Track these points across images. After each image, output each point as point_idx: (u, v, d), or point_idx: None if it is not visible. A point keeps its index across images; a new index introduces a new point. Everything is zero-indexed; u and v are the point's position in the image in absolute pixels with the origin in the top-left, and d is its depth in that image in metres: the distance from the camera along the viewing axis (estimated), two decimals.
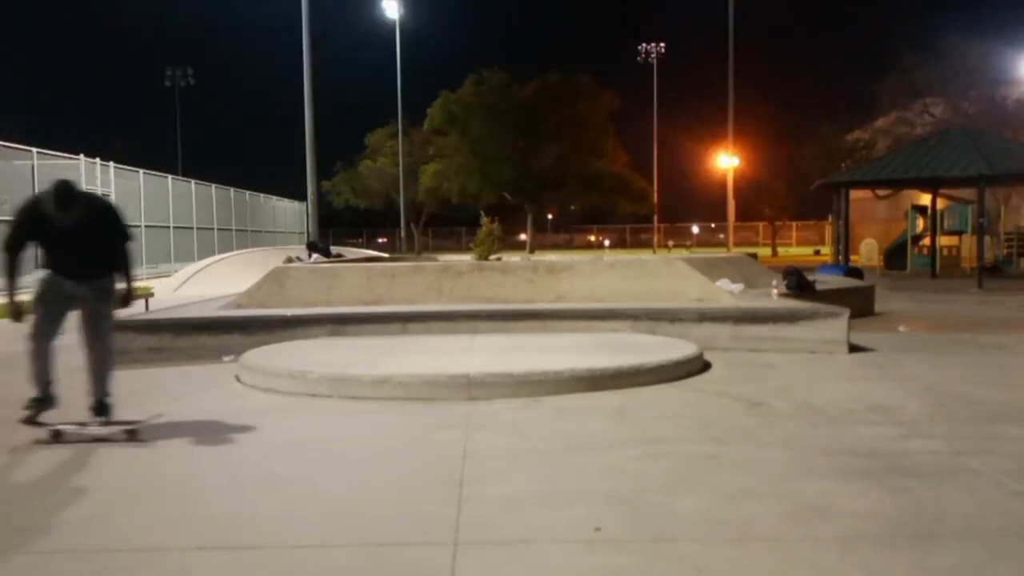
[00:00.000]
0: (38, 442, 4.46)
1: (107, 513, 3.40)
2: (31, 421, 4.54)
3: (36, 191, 4.92)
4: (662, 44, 50.17)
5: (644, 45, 50.36)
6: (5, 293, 4.50)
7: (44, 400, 4.59)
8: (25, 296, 4.54)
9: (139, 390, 6.05)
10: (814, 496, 3.47)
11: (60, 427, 4.55)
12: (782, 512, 3.29)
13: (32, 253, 4.62)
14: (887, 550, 2.91)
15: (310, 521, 3.27)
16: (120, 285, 4.78)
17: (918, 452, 4.13)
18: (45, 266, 4.63)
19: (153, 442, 4.50)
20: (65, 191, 4.44)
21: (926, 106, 30.74)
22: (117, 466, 4.10)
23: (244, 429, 4.81)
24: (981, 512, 3.28)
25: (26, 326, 4.58)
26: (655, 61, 49.95)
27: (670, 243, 50.23)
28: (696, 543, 2.99)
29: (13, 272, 4.49)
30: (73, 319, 4.71)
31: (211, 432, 4.73)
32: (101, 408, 4.68)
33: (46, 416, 4.59)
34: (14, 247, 4.49)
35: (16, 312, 4.60)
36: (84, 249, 4.55)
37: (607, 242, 58.99)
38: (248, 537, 3.11)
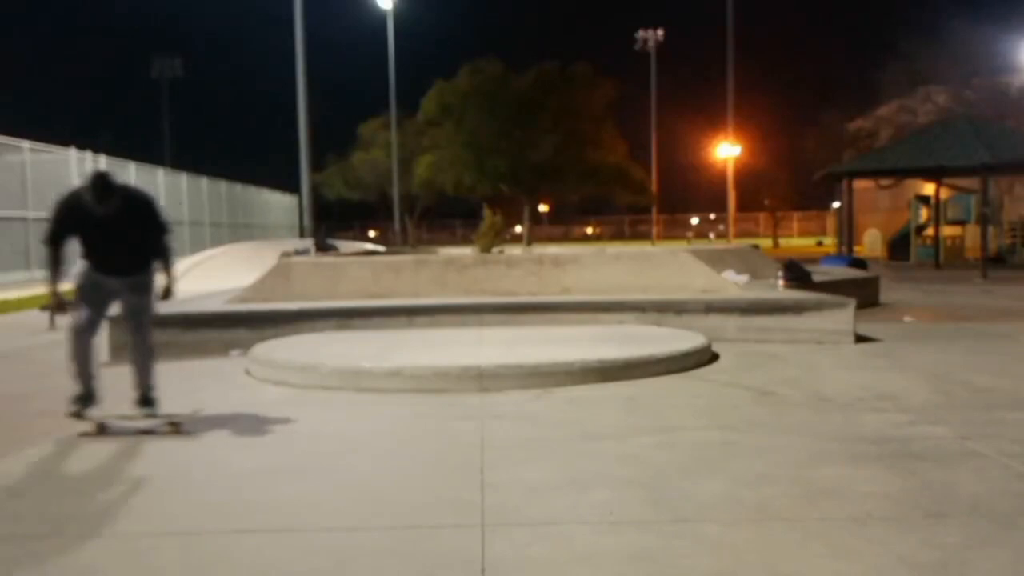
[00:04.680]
0: (83, 435, 4.51)
1: (141, 500, 3.51)
2: (76, 416, 4.59)
3: (76, 185, 4.86)
4: (660, 31, 49.51)
5: (642, 32, 49.68)
6: (49, 285, 4.56)
7: (87, 396, 4.63)
8: (67, 287, 4.60)
9: None
10: (827, 479, 3.59)
11: (105, 421, 4.62)
12: (797, 494, 3.41)
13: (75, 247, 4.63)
14: (898, 527, 3.03)
15: (340, 506, 3.37)
16: (160, 278, 4.82)
17: (925, 437, 4.25)
18: (85, 260, 4.66)
19: (180, 433, 4.60)
20: (101, 183, 4.42)
21: (928, 94, 30.69)
22: (144, 456, 4.21)
23: (261, 420, 4.89)
24: (987, 492, 3.40)
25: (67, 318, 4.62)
26: (653, 49, 49.38)
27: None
28: (715, 523, 3.11)
29: (57, 265, 4.53)
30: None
31: (230, 423, 4.80)
32: (146, 401, 4.77)
33: (92, 411, 4.64)
34: (54, 240, 4.54)
35: (59, 304, 4.64)
36: (122, 242, 4.58)
37: (589, 230, 58.82)
38: (282, 521, 3.22)
